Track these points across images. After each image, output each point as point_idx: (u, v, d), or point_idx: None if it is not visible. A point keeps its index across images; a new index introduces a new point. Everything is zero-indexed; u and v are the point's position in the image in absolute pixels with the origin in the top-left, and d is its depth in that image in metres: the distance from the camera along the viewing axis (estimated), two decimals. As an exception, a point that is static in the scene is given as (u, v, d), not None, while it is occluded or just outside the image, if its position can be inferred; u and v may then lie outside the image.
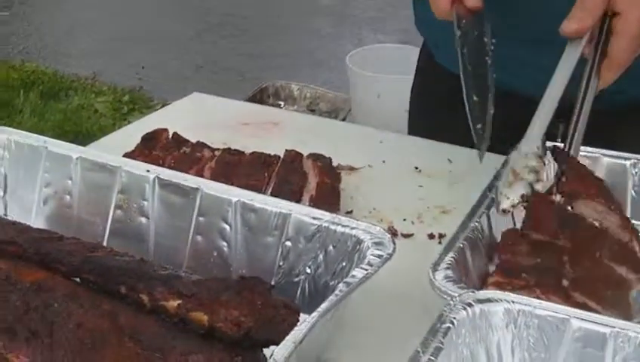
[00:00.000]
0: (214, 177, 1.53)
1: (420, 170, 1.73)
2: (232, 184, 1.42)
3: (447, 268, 1.17)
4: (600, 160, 1.46)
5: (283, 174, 1.58)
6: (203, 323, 1.04)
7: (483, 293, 1.06)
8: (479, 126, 1.38)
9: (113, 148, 1.65)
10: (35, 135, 1.50)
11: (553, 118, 1.35)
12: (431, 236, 1.51)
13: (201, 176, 1.54)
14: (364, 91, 4.34)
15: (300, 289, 1.25)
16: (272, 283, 1.23)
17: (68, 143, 1.48)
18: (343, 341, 1.22)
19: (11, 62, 6.11)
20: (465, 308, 1.03)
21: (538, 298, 1.14)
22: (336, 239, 1.23)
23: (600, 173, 1.45)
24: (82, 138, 4.58)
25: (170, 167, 1.52)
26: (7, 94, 5.41)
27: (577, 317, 1.02)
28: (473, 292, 1.06)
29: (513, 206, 1.30)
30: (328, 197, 1.52)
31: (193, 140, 1.70)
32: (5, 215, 1.47)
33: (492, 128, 1.37)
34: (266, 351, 1.04)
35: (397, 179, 1.71)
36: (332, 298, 1.06)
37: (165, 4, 7.56)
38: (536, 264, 1.23)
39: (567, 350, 1.02)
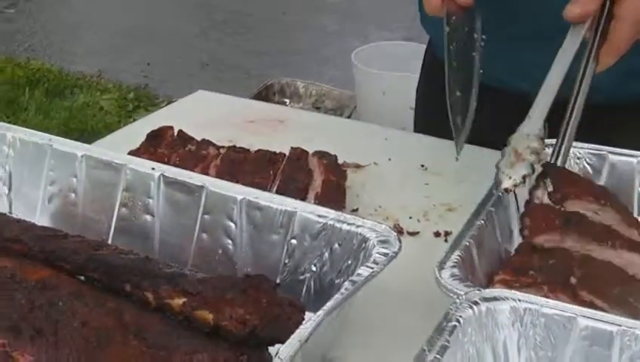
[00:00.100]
0: (220, 175, 1.53)
1: (426, 168, 1.73)
2: (237, 182, 1.42)
3: (454, 266, 1.16)
4: (606, 158, 1.46)
5: (288, 172, 1.57)
6: (208, 321, 1.04)
7: (489, 291, 1.06)
8: (459, 120, 1.39)
9: (118, 145, 1.64)
10: (40, 133, 1.49)
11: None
12: (437, 234, 1.50)
13: (207, 173, 1.54)
14: (369, 88, 4.33)
15: (305, 287, 1.25)
16: (278, 281, 1.24)
17: (73, 141, 1.47)
18: (348, 339, 1.22)
19: (17, 59, 6.11)
20: (471, 307, 1.03)
21: (545, 296, 1.14)
22: (342, 237, 1.23)
23: (606, 171, 1.45)
24: (87, 136, 4.58)
25: (175, 165, 1.52)
26: (12, 92, 5.41)
27: (584, 316, 1.02)
28: (479, 290, 1.06)
29: (515, 185, 1.31)
30: (334, 195, 1.52)
31: (198, 138, 1.70)
32: (10, 213, 1.46)
33: (472, 122, 1.38)
34: (272, 350, 1.04)
35: (403, 177, 1.71)
36: (338, 296, 1.06)
37: (171, 2, 7.57)
38: (544, 262, 1.23)
39: (574, 348, 1.02)
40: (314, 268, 1.25)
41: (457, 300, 1.04)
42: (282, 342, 0.99)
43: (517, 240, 1.35)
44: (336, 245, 1.23)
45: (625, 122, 1.71)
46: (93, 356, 1.02)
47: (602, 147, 1.47)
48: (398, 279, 1.23)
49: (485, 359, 1.03)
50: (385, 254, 1.15)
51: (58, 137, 1.48)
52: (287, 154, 1.64)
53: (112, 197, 1.40)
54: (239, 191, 1.31)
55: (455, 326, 1.00)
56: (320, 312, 1.02)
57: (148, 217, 1.37)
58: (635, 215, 1.41)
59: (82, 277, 1.16)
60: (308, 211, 1.27)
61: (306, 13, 7.14)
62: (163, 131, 1.71)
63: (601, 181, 1.45)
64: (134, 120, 3.84)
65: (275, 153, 1.63)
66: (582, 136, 1.43)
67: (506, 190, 1.32)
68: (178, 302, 1.06)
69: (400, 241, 1.18)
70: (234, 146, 1.67)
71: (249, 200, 1.30)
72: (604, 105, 1.51)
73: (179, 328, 1.05)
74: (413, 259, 1.27)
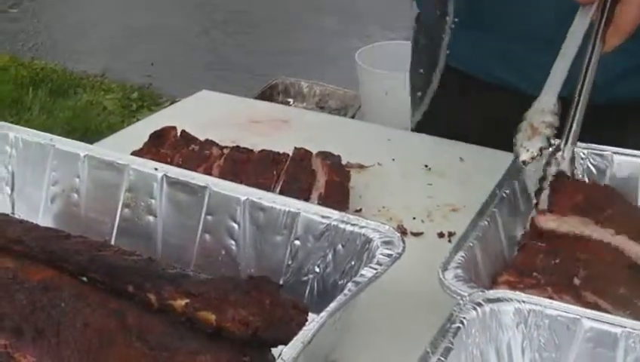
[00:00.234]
0: (223, 175, 1.52)
1: (429, 168, 1.73)
2: (240, 182, 1.41)
3: (457, 267, 1.16)
4: (611, 158, 1.45)
5: (292, 172, 1.57)
6: (211, 322, 1.03)
7: (493, 293, 1.05)
8: (419, 94, 1.41)
9: (121, 145, 1.64)
10: (43, 133, 1.49)
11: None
12: (441, 235, 1.50)
13: (210, 174, 1.53)
14: (373, 88, 4.32)
15: (308, 288, 1.25)
16: (281, 282, 1.23)
17: (75, 141, 1.47)
18: (351, 341, 1.21)
19: (20, 59, 6.12)
20: (475, 308, 1.02)
21: (550, 297, 1.14)
22: (346, 238, 1.22)
23: (611, 171, 1.44)
24: (91, 135, 4.58)
25: (178, 165, 1.52)
26: (16, 91, 5.41)
27: (588, 317, 1.01)
28: (483, 291, 1.06)
29: (532, 158, 1.35)
30: (337, 196, 1.51)
31: (202, 138, 1.70)
32: (13, 213, 1.46)
33: (433, 102, 1.40)
34: (275, 351, 1.04)
35: (406, 177, 1.70)
36: (341, 297, 1.05)
37: (174, 2, 7.56)
38: (548, 263, 1.23)
39: (578, 350, 1.01)
40: (317, 269, 1.24)
41: (461, 301, 1.03)
42: (285, 344, 0.99)
43: (521, 240, 1.35)
44: (340, 246, 1.23)
45: (627, 122, 1.71)
46: (95, 357, 1.02)
47: (606, 147, 1.46)
48: (402, 280, 1.23)
49: (489, 361, 1.02)
50: (388, 255, 1.14)
51: (61, 137, 1.48)
52: (290, 154, 1.63)
53: (115, 198, 1.39)
54: (242, 192, 1.31)
55: (459, 327, 0.99)
56: (323, 314, 1.02)
57: (151, 218, 1.36)
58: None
59: (84, 278, 1.15)
60: (311, 212, 1.26)
61: (309, 12, 7.14)
62: (166, 131, 1.71)
63: (605, 182, 1.44)
64: (138, 120, 3.84)
65: (278, 153, 1.63)
66: (585, 136, 1.43)
67: (524, 162, 1.36)
68: (181, 303, 1.06)
69: (404, 242, 1.17)
70: (237, 146, 1.67)
71: (252, 200, 1.29)
72: (606, 105, 1.52)
73: (181, 329, 1.05)
74: (416, 259, 1.26)
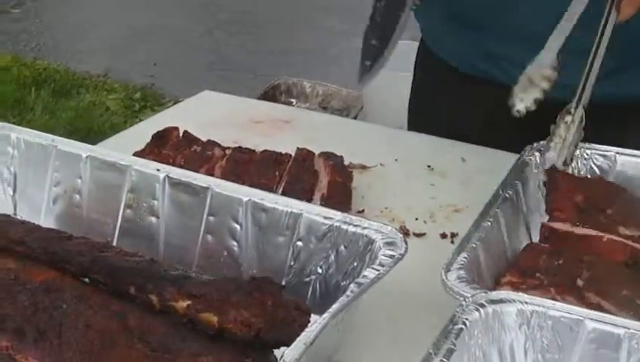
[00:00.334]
0: (225, 176, 1.52)
1: (432, 169, 1.72)
2: (242, 183, 1.41)
3: (460, 268, 1.16)
4: (615, 158, 1.45)
5: (294, 173, 1.57)
6: (213, 324, 1.03)
7: (496, 294, 1.05)
8: (368, 62, 1.43)
9: (124, 146, 1.64)
10: (45, 134, 1.49)
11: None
12: (443, 235, 1.50)
13: (212, 174, 1.53)
14: (376, 88, 4.31)
15: (311, 289, 1.24)
16: (283, 283, 1.23)
17: (77, 142, 1.47)
18: (354, 342, 1.21)
19: (23, 59, 6.12)
20: (477, 309, 1.02)
21: (553, 298, 1.13)
22: (348, 239, 1.22)
23: (614, 171, 1.44)
24: (94, 136, 4.58)
25: (180, 166, 1.51)
26: (18, 92, 5.41)
27: (591, 318, 1.01)
28: (486, 292, 1.05)
29: (527, 108, 1.39)
30: (340, 196, 1.51)
31: (204, 138, 1.69)
32: (15, 214, 1.46)
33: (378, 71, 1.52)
34: (277, 352, 1.03)
35: (409, 178, 1.70)
36: (343, 299, 1.05)
37: (176, 1, 7.57)
38: (551, 264, 1.23)
39: (581, 351, 1.01)
40: (320, 270, 1.24)
41: (464, 303, 1.03)
42: (287, 345, 0.98)
43: (524, 240, 1.35)
44: (342, 247, 1.22)
45: (628, 122, 1.71)
46: (97, 359, 1.02)
47: (610, 148, 1.46)
48: (405, 281, 1.23)
49: (492, 362, 1.02)
50: (391, 256, 1.14)
51: (62, 138, 1.47)
52: (293, 155, 1.63)
53: (117, 199, 1.39)
54: (244, 193, 1.31)
55: (461, 328, 0.99)
56: (325, 315, 1.02)
57: (153, 219, 1.36)
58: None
59: (87, 279, 1.15)
60: (314, 213, 1.26)
61: (312, 12, 7.13)
62: (168, 132, 1.71)
63: (609, 182, 1.44)
64: (140, 120, 3.84)
65: (280, 154, 1.63)
66: (585, 136, 1.43)
67: (519, 112, 1.40)
68: (182, 304, 1.05)
69: (406, 243, 1.17)
70: (239, 147, 1.67)
71: (254, 201, 1.29)
72: (602, 105, 1.52)
73: (183, 331, 1.05)
74: (419, 260, 1.26)
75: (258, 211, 1.29)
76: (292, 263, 1.26)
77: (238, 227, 1.30)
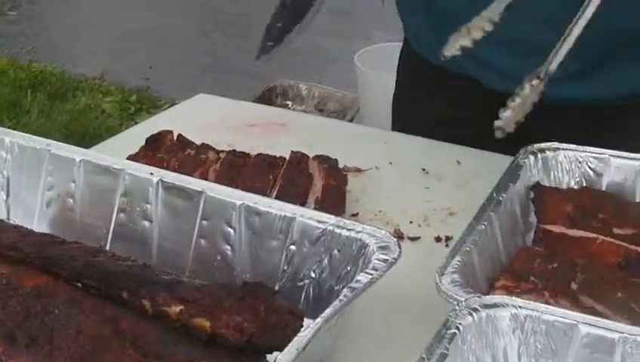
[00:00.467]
0: (219, 180, 1.52)
1: (427, 172, 1.72)
2: (237, 186, 1.41)
3: (454, 272, 1.15)
4: (609, 161, 1.45)
5: (289, 176, 1.56)
6: (205, 329, 1.03)
7: (489, 298, 1.05)
8: (270, 43, 1.45)
9: (119, 149, 1.64)
10: (39, 138, 1.48)
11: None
12: (438, 239, 1.49)
13: (206, 178, 1.53)
14: (372, 90, 4.31)
15: (304, 293, 1.24)
16: (277, 287, 1.23)
17: (71, 146, 1.47)
18: (347, 346, 1.21)
19: (19, 62, 6.11)
20: (471, 314, 1.02)
21: (547, 302, 1.13)
22: (341, 243, 1.22)
23: (609, 174, 1.44)
24: (89, 139, 4.57)
25: (174, 170, 1.51)
26: (14, 94, 5.40)
27: (585, 323, 1.01)
28: (479, 297, 1.05)
29: (452, 54, 1.43)
30: (334, 200, 1.51)
31: (199, 142, 1.69)
32: (8, 218, 1.46)
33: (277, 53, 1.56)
34: (269, 357, 1.03)
35: (404, 181, 1.70)
36: (336, 303, 1.05)
37: (172, 4, 7.56)
38: (545, 267, 1.23)
39: (575, 356, 1.01)
40: (313, 275, 1.24)
41: (457, 307, 1.03)
42: (280, 350, 0.98)
43: (518, 244, 1.35)
44: (336, 251, 1.22)
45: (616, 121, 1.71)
46: (89, 364, 1.02)
47: (604, 150, 1.46)
48: (399, 285, 1.22)
49: (485, 367, 1.02)
50: (384, 260, 1.14)
51: (57, 142, 1.47)
52: (287, 158, 1.63)
53: (111, 203, 1.39)
54: (238, 197, 1.30)
55: (455, 333, 0.99)
56: (318, 320, 1.01)
57: (146, 223, 1.36)
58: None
59: (79, 284, 1.15)
60: (307, 217, 1.26)
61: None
62: (162, 135, 1.70)
63: (603, 185, 1.44)
64: (136, 122, 3.84)
65: (275, 157, 1.62)
66: (580, 139, 1.43)
67: (444, 56, 1.44)
68: (175, 309, 1.05)
69: (400, 247, 1.17)
70: (234, 150, 1.66)
71: (248, 205, 1.29)
72: (592, 105, 1.53)
73: (176, 336, 1.05)
74: (413, 264, 1.26)
75: (252, 215, 1.28)
76: (285, 267, 1.26)
77: (231, 231, 1.30)
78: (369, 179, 1.70)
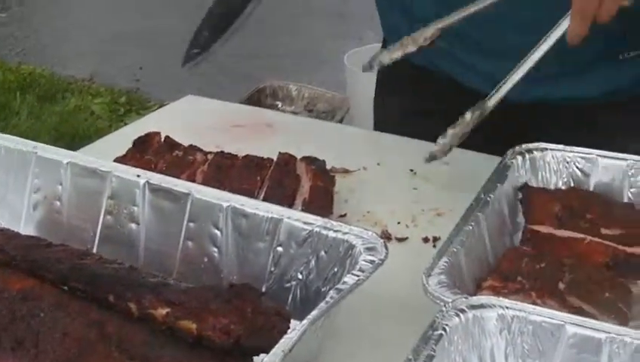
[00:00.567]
0: (207, 181, 1.52)
1: (415, 173, 1.72)
2: (224, 188, 1.41)
3: (441, 273, 1.15)
4: (596, 161, 1.45)
5: (276, 178, 1.56)
6: (192, 331, 1.03)
7: (476, 299, 1.05)
8: (196, 50, 1.49)
9: (107, 150, 1.63)
10: (25, 140, 1.48)
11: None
12: (425, 240, 1.49)
13: (194, 180, 1.52)
14: (362, 91, 4.30)
15: (291, 295, 1.24)
16: (264, 289, 1.23)
17: (58, 148, 1.46)
18: (334, 347, 1.21)
19: (8, 64, 6.10)
20: (457, 315, 1.02)
21: (534, 302, 1.13)
22: (328, 244, 1.21)
23: (596, 175, 1.44)
24: (79, 140, 4.56)
25: (162, 172, 1.51)
26: (3, 96, 5.39)
27: (572, 323, 1.01)
28: (466, 298, 1.05)
29: (387, 65, 1.50)
30: (322, 201, 1.50)
31: (187, 143, 1.69)
32: (-5, 221, 1.45)
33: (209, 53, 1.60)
34: (256, 359, 1.03)
35: (392, 182, 1.70)
36: (322, 305, 1.05)
37: (162, 5, 7.55)
38: (533, 267, 1.23)
39: (562, 356, 1.01)
40: (300, 276, 1.23)
41: (444, 308, 1.03)
42: (267, 352, 0.98)
43: (506, 244, 1.35)
44: (323, 252, 1.22)
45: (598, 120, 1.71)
46: (75, 367, 1.01)
47: (592, 151, 1.46)
48: (386, 286, 1.22)
49: (472, 368, 1.02)
50: (371, 261, 1.14)
51: (43, 145, 1.46)
52: (275, 159, 1.62)
53: (98, 205, 1.38)
54: (225, 199, 1.30)
55: (441, 334, 0.99)
56: (305, 321, 1.01)
57: (133, 225, 1.35)
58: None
59: (66, 287, 1.15)
60: (294, 218, 1.26)
61: (300, 15, 7.13)
62: (150, 137, 1.70)
63: (591, 185, 1.44)
64: (126, 124, 3.83)
65: (262, 159, 1.62)
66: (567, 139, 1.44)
67: (381, 63, 1.50)
68: (161, 312, 1.05)
69: (387, 248, 1.17)
70: (221, 152, 1.66)
71: (235, 207, 1.28)
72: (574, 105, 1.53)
73: (162, 338, 1.04)
74: (401, 265, 1.26)
75: (238, 217, 1.28)
76: (272, 269, 1.26)
77: (218, 233, 1.29)
78: (357, 179, 1.70)
